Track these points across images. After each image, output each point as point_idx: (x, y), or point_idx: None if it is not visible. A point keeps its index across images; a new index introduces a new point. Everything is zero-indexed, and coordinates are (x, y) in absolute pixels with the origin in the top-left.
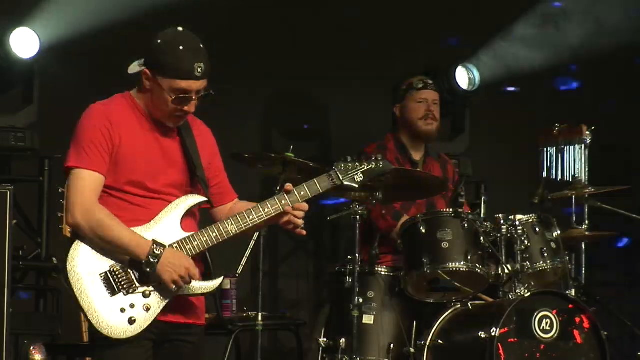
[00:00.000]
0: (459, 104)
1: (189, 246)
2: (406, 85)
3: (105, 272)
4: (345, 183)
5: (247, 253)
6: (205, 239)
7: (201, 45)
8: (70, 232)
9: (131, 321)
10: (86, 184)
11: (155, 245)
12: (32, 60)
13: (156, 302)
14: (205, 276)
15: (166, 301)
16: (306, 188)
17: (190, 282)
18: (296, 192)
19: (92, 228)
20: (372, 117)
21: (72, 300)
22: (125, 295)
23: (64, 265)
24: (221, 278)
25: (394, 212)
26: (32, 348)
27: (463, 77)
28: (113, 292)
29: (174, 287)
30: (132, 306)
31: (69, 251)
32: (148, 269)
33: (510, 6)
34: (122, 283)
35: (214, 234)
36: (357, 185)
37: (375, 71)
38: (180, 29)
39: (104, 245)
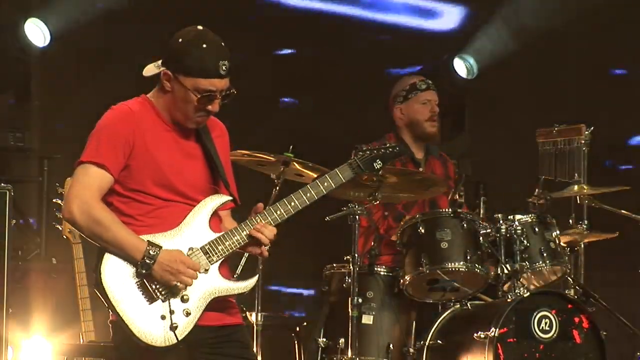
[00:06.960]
0: (461, 95)
1: (220, 247)
2: (409, 85)
3: (141, 280)
4: (366, 170)
5: (246, 253)
6: (236, 238)
7: (222, 44)
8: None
9: (173, 328)
10: (92, 180)
11: (150, 246)
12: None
13: (195, 306)
14: (240, 276)
15: (205, 304)
16: (329, 179)
17: (196, 275)
18: (319, 183)
19: (88, 225)
20: (372, 117)
21: (108, 309)
22: (163, 301)
23: (98, 278)
24: (255, 277)
25: (396, 214)
26: (31, 347)
27: (461, 67)
28: (151, 300)
29: (177, 283)
30: (172, 312)
31: (101, 262)
32: (144, 270)
33: None
34: (160, 289)
35: (244, 233)
36: (376, 173)
37: (375, 71)
38: (200, 27)
39: (100, 244)
